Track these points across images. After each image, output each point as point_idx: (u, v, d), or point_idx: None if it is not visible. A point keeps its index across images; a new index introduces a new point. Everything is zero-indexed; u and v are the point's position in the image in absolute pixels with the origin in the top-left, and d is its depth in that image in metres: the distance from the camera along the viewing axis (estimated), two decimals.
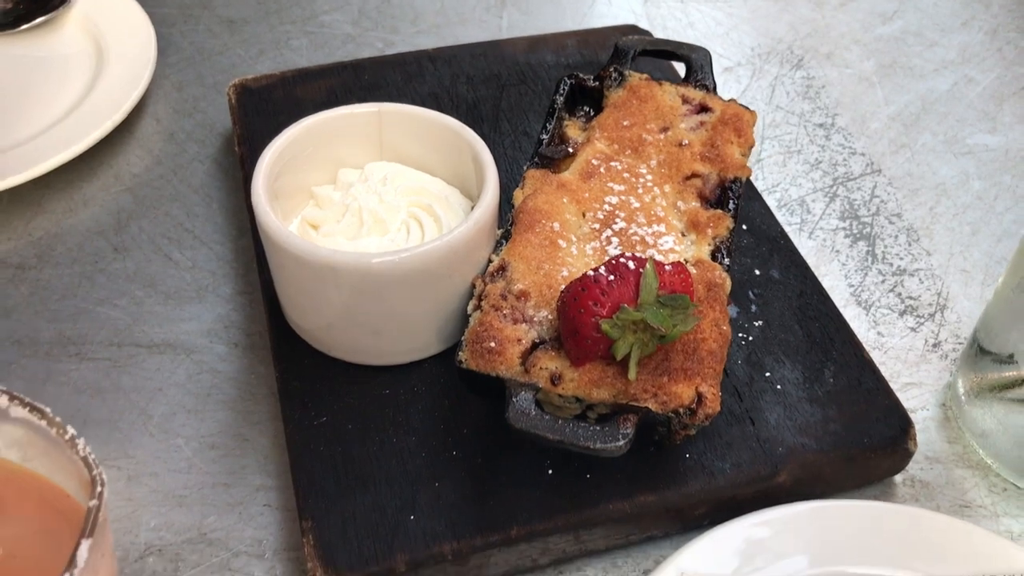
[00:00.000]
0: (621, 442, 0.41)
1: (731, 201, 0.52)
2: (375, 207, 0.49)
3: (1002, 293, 0.51)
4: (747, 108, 0.56)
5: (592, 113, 0.59)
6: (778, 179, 0.67)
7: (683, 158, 0.54)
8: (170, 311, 0.58)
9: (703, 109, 0.57)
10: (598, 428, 0.42)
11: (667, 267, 0.43)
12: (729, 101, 0.57)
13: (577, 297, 0.42)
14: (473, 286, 0.48)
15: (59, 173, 0.64)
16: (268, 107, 0.65)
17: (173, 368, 0.55)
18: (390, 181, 0.51)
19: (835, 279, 0.60)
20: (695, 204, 0.52)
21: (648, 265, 0.42)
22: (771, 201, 0.65)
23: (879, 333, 0.58)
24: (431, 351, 0.51)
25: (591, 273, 0.43)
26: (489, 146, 0.51)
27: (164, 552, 0.47)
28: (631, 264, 0.43)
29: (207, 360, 0.55)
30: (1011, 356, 0.50)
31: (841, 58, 0.77)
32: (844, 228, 0.64)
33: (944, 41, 0.79)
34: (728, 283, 0.48)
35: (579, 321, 0.42)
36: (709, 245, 0.50)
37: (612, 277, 0.42)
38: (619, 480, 0.46)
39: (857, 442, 0.48)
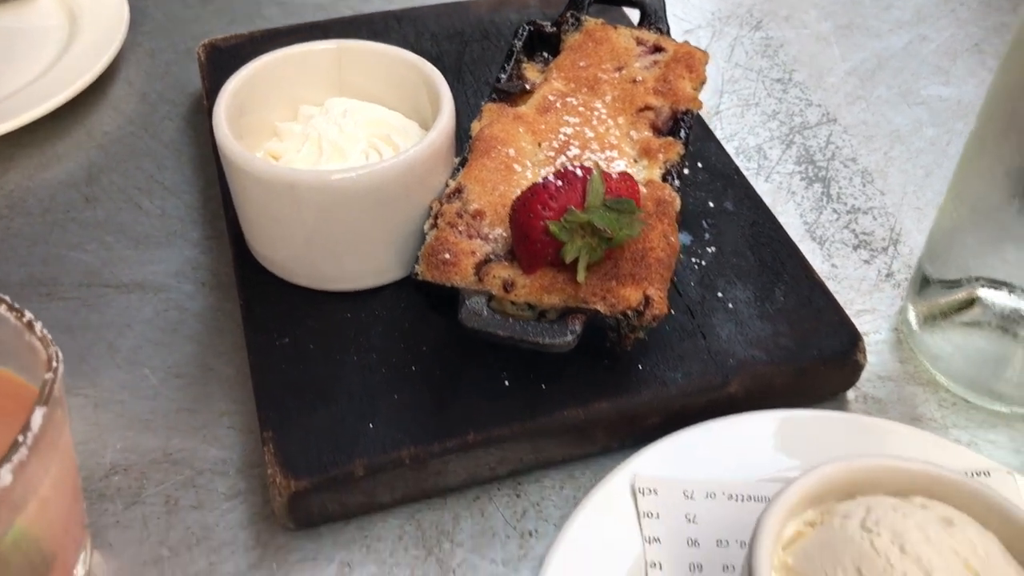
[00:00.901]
0: (569, 337, 0.42)
1: (682, 131, 0.54)
2: (335, 137, 0.51)
3: (943, 218, 0.52)
4: (699, 48, 0.58)
5: (550, 58, 0.60)
6: (736, 129, 0.69)
7: (636, 93, 0.55)
8: (140, 255, 0.59)
9: (657, 50, 0.59)
10: (547, 325, 0.43)
11: (614, 176, 0.45)
12: (682, 43, 0.59)
13: (526, 202, 0.44)
14: (430, 208, 0.50)
15: (31, 131, 0.66)
16: (237, 65, 0.65)
17: (141, 306, 0.56)
18: (350, 114, 0.53)
19: (791, 217, 0.62)
20: (648, 134, 0.54)
21: (595, 171, 0.44)
22: (729, 148, 0.66)
23: (833, 265, 0.59)
24: (391, 276, 0.52)
25: (540, 180, 0.44)
26: (452, 94, 0.53)
27: (129, 471, 0.48)
28: (579, 172, 0.44)
29: (175, 298, 0.56)
30: (956, 281, 0.52)
31: (799, 20, 0.79)
32: (800, 172, 0.65)
33: (899, 3, 0.82)
34: (677, 201, 0.50)
35: (529, 225, 0.43)
36: (660, 169, 0.52)
37: (560, 183, 0.44)
38: (574, 390, 0.47)
39: (807, 355, 0.50)
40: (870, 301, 0.57)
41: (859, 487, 0.38)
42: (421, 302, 0.50)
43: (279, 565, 0.45)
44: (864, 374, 0.52)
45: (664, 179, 0.51)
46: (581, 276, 0.44)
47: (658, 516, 0.44)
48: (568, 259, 0.44)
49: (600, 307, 0.44)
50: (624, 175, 0.45)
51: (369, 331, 0.50)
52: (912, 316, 0.55)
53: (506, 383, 0.48)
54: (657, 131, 0.54)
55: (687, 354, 0.49)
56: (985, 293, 0.50)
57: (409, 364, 0.49)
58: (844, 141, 0.68)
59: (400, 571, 0.45)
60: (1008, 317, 0.50)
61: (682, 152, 0.52)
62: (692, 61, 0.57)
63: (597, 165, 0.44)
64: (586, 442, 0.48)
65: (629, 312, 0.44)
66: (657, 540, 0.44)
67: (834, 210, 0.63)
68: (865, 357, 0.50)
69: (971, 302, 0.52)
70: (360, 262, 0.50)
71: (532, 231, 0.43)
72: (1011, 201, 0.47)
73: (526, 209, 0.43)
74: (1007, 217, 0.47)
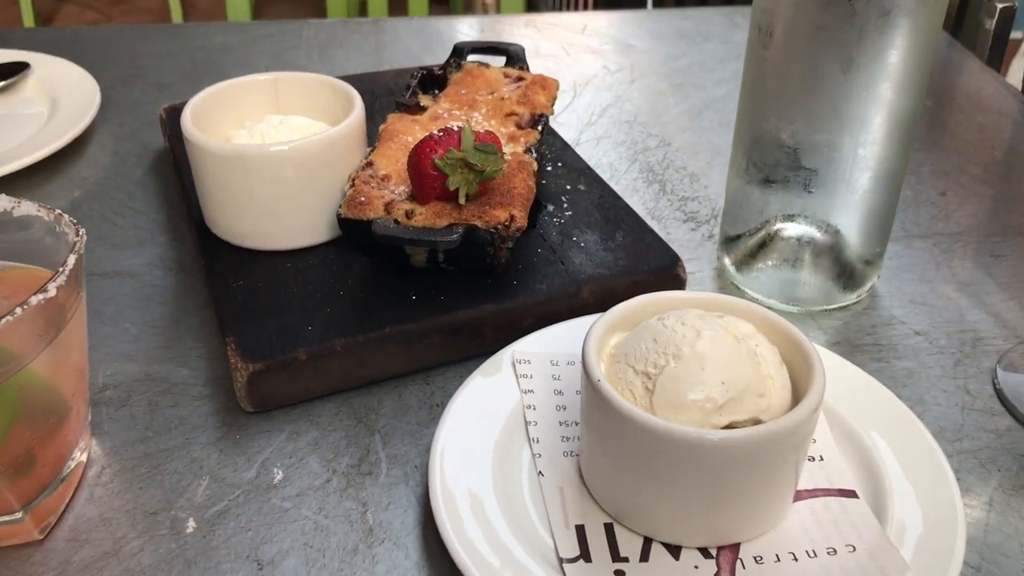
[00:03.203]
0: (454, 236, 0.58)
1: (539, 125, 0.72)
2: (274, 135, 0.67)
3: (730, 186, 0.70)
4: (551, 76, 0.77)
5: (439, 93, 0.78)
6: (591, 153, 0.87)
7: (504, 105, 0.74)
8: (117, 253, 0.73)
9: (519, 80, 0.77)
10: (439, 230, 0.59)
11: (481, 131, 0.62)
12: (538, 73, 0.78)
13: (418, 148, 0.60)
14: (348, 178, 0.66)
15: (25, 178, 0.81)
16: None
17: (121, 285, 0.70)
18: (285, 123, 0.69)
19: (635, 206, 0.79)
20: (513, 128, 0.71)
21: (465, 126, 0.61)
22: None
23: (667, 232, 0.76)
24: (321, 237, 0.67)
25: (428, 134, 0.61)
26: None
27: (118, 387, 0.61)
28: (455, 127, 0.61)
29: (148, 279, 0.71)
30: (745, 233, 0.70)
31: (643, 83, 1.00)
32: (642, 177, 0.84)
33: (720, 68, 1.03)
34: (535, 164, 0.67)
35: (421, 164, 0.60)
36: (521, 148, 0.69)
37: (442, 134, 0.61)
38: (466, 298, 0.63)
39: (639, 269, 0.66)
40: (695, 253, 0.74)
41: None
42: (346, 250, 0.65)
43: (241, 436, 0.58)
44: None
45: (525, 153, 0.68)
46: (462, 199, 0.60)
47: (531, 377, 0.59)
48: (452, 187, 0.60)
49: (478, 223, 0.60)
50: (488, 132, 0.62)
51: (306, 273, 0.65)
52: (726, 261, 0.72)
53: (413, 297, 0.63)
54: (520, 129, 0.72)
55: (550, 274, 0.65)
56: (781, 226, 0.68)
57: (338, 291, 0.63)
58: (676, 156, 0.87)
59: (336, 435, 0.58)
60: (800, 240, 0.67)
61: (538, 138, 0.70)
62: (546, 83, 0.76)
63: (467, 122, 0.61)
64: (477, 338, 0.63)
65: (499, 226, 0.60)
66: (531, 392, 0.58)
67: (668, 199, 0.81)
68: (685, 273, 0.67)
69: (769, 238, 0.69)
70: (296, 222, 0.66)
71: (424, 167, 0.60)
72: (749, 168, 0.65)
73: (418, 152, 0.60)
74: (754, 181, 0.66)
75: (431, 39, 1.11)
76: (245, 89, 0.71)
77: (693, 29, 1.13)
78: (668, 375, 0.48)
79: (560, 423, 0.56)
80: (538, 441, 0.54)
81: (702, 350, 0.48)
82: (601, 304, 0.64)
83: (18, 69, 0.92)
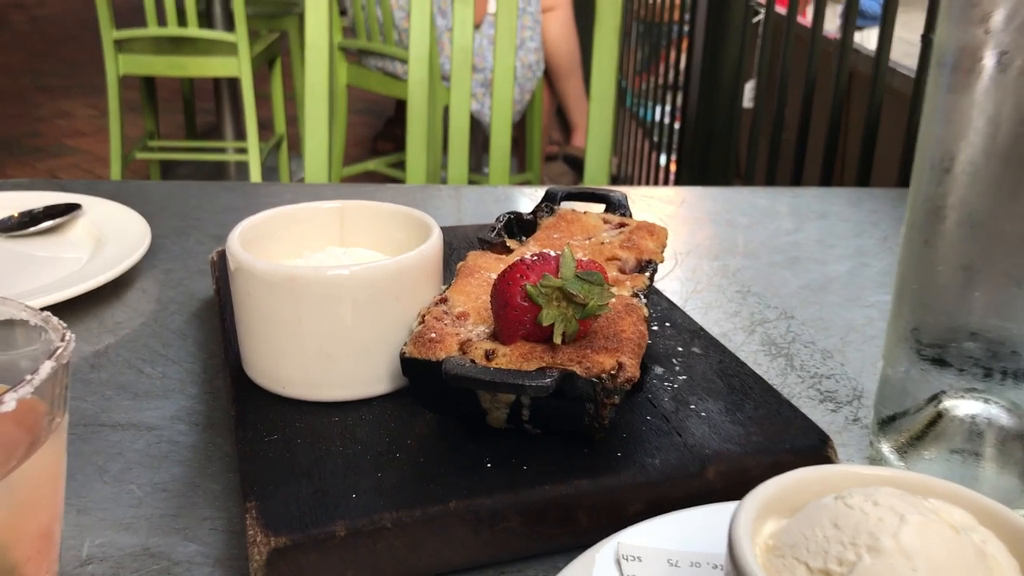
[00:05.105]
0: (548, 380, 0.45)
1: (646, 271, 0.60)
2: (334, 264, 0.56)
3: (888, 357, 0.57)
4: (659, 225, 0.66)
5: (526, 240, 0.68)
6: (700, 323, 0.74)
7: (604, 250, 0.62)
8: (137, 404, 0.61)
9: (621, 226, 0.66)
10: (526, 372, 0.46)
11: (583, 259, 0.50)
12: (643, 220, 0.67)
13: (505, 274, 0.48)
14: (418, 314, 0.54)
15: None
16: None
17: (134, 439, 0.57)
18: (349, 255, 0.59)
19: None
20: (615, 274, 0.59)
21: (566, 249, 0.49)
22: None
23: None
24: (380, 387, 0.55)
25: (519, 259, 0.49)
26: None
27: (105, 561, 0.47)
28: (552, 253, 0.49)
29: (167, 434, 0.58)
30: (906, 410, 0.55)
31: (752, 255, 0.88)
32: (763, 351, 0.70)
33: (841, 244, 0.91)
34: (645, 310, 0.54)
35: (508, 292, 0.48)
36: (628, 292, 0.57)
37: (536, 259, 0.49)
38: (555, 470, 0.48)
39: (780, 448, 0.51)
40: (840, 438, 0.59)
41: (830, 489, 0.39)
42: (409, 405, 0.52)
43: None
44: None
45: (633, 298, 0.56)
46: (557, 338, 0.47)
47: None
48: (545, 323, 0.47)
49: (576, 369, 0.47)
50: (592, 260, 0.50)
51: (356, 430, 0.52)
52: (884, 447, 0.57)
53: (488, 465, 0.49)
54: (623, 274, 0.60)
55: (664, 447, 0.51)
56: (953, 403, 0.53)
57: (394, 452, 0.50)
58: (802, 330, 0.73)
59: None
60: (975, 420, 0.53)
61: (647, 283, 0.58)
62: (654, 229, 0.64)
63: (569, 246, 0.49)
64: (569, 524, 0.48)
65: (603, 375, 0.47)
66: None
67: (798, 376, 0.67)
68: (836, 455, 0.52)
69: (938, 417, 0.55)
70: (350, 366, 0.53)
71: (511, 297, 0.48)
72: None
73: (505, 279, 0.48)
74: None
75: (516, 204, 1.02)
76: (306, 216, 0.61)
77: (805, 206, 1.02)
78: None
79: None
80: None
81: (910, 542, 0.33)
82: (731, 488, 0.50)
83: (69, 211, 0.84)
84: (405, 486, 0.47)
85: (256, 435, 0.51)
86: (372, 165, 3.08)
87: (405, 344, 0.50)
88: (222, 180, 3.47)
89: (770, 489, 0.38)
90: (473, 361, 0.48)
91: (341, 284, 0.51)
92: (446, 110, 1.54)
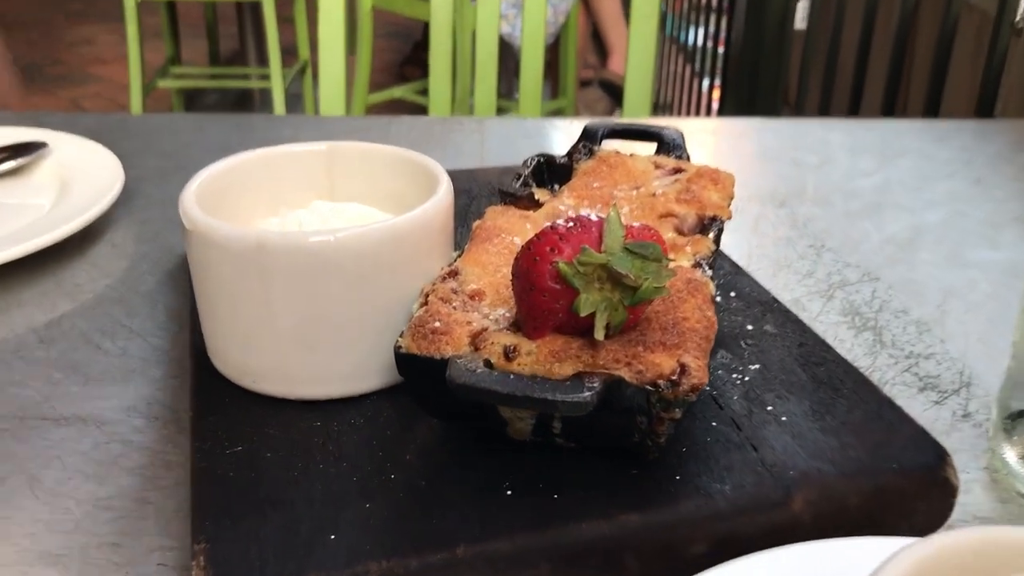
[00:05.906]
0: (587, 394, 0.34)
1: (711, 232, 0.48)
2: (318, 226, 0.45)
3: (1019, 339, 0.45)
4: (723, 170, 0.53)
5: (560, 188, 0.56)
6: (769, 286, 0.62)
7: (657, 203, 0.50)
8: (88, 391, 0.51)
9: (677, 171, 0.54)
10: (558, 382, 0.34)
11: (634, 224, 0.38)
12: (704, 164, 0.54)
13: (531, 246, 0.36)
14: (420, 292, 0.42)
15: None
16: None
17: (79, 438, 0.47)
18: (337, 212, 0.47)
19: None
20: (672, 235, 0.47)
21: (612, 211, 0.37)
22: None
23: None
24: (373, 382, 0.43)
25: (547, 225, 0.37)
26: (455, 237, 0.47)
27: None
28: (593, 216, 0.37)
29: (119, 431, 0.48)
30: None
31: (825, 201, 0.76)
32: (846, 322, 0.58)
33: (929, 187, 0.78)
34: (711, 286, 0.42)
35: (535, 272, 0.36)
36: (689, 261, 0.45)
37: (571, 226, 0.37)
38: (596, 501, 0.37)
39: (884, 467, 0.40)
40: (948, 441, 0.48)
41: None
42: (409, 405, 0.41)
43: None
44: (958, 513, 0.42)
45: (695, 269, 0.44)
46: (599, 333, 0.36)
47: None
48: (583, 312, 0.36)
49: (624, 374, 0.35)
50: (646, 227, 0.38)
51: (341, 439, 0.41)
52: (1009, 455, 0.45)
53: (508, 492, 0.38)
54: (682, 236, 0.48)
55: (735, 466, 0.39)
56: None
57: (388, 472, 0.39)
58: (890, 296, 0.61)
59: None
60: None
61: (712, 248, 0.46)
62: (717, 176, 0.52)
63: (615, 207, 0.37)
64: (613, 571, 0.37)
65: (661, 382, 0.35)
66: None
67: (890, 355, 0.55)
68: (957, 476, 0.40)
69: None
70: (336, 357, 0.42)
71: (539, 278, 0.36)
72: None
73: (531, 254, 0.36)
74: None
75: (547, 140, 0.89)
76: (285, 163, 0.49)
77: (880, 141, 0.89)
78: None
79: None
80: None
81: None
82: (823, 523, 0.38)
83: (33, 149, 0.73)
84: (400, 522, 0.36)
85: (216, 445, 0.40)
86: (399, 92, 2.93)
87: (401, 335, 0.39)
88: (248, 109, 3.35)
89: (927, 553, 0.27)
90: (488, 363, 0.36)
91: (323, 254, 0.40)
92: (474, 33, 1.41)
